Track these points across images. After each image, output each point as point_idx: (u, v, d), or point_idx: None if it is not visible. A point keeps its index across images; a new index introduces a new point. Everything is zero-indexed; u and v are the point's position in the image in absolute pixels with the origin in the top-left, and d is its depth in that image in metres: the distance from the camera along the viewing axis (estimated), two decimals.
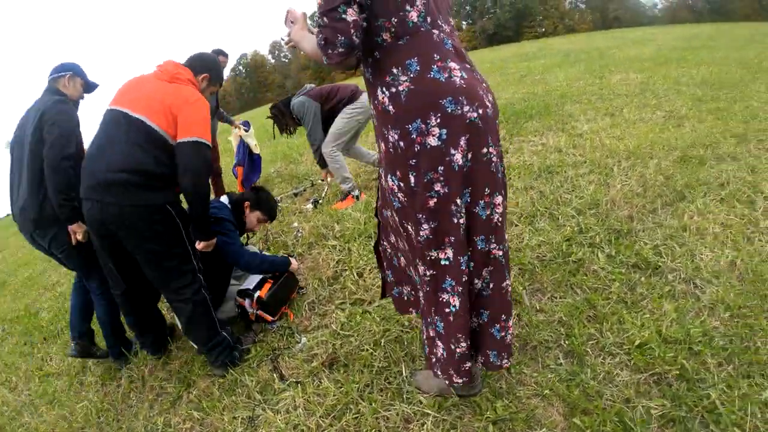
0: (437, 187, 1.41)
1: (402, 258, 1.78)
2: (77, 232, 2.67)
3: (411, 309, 1.93)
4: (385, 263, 1.93)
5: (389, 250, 1.87)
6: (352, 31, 1.29)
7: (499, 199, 1.51)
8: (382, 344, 2.47)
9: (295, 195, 5.16)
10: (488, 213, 1.49)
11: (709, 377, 1.84)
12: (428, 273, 1.53)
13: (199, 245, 2.46)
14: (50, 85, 2.86)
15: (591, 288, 2.50)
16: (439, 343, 1.62)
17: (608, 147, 4.24)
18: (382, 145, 1.50)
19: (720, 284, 2.33)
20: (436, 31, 1.40)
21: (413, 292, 1.85)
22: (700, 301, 2.26)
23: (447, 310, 1.55)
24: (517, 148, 4.84)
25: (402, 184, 1.46)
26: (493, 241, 1.53)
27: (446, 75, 1.36)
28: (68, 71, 2.87)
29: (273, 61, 67.85)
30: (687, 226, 2.85)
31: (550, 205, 3.41)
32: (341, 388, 2.26)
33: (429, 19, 1.38)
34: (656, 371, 1.93)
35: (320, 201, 4.57)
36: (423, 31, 1.38)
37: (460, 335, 1.56)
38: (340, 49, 1.31)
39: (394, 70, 1.39)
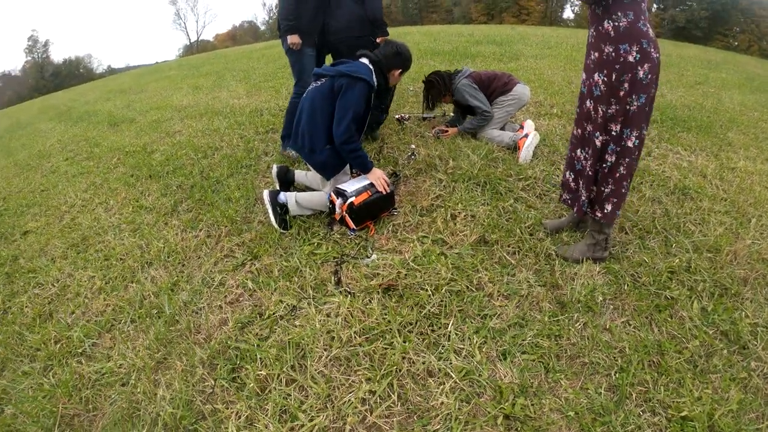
0: (625, 85, 2.39)
1: (576, 147, 2.79)
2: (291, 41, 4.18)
3: (564, 191, 2.96)
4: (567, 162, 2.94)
5: (571, 151, 2.86)
6: None
7: (650, 106, 2.49)
8: (442, 291, 2.59)
9: (424, 119, 5.25)
10: (647, 111, 2.48)
11: None
12: (602, 138, 2.55)
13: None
14: None
15: (669, 333, 2.39)
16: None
17: (756, 195, 3.82)
18: (596, 53, 2.48)
19: None
20: (644, 3, 2.36)
21: (571, 178, 2.87)
22: None
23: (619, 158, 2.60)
24: (661, 154, 4.54)
25: (606, 79, 2.44)
26: (635, 133, 2.50)
27: (645, 28, 2.34)
28: None
29: None
30: None
31: (670, 229, 3.21)
32: (386, 315, 2.46)
33: None
34: None
35: (445, 132, 4.61)
36: (639, 0, 2.33)
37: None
38: None
39: (619, 13, 2.34)
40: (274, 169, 3.72)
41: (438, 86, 4.59)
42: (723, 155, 4.70)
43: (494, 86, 4.51)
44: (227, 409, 2.13)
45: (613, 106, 2.47)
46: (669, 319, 2.46)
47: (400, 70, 3.46)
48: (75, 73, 57.36)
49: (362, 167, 3.30)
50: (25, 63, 60.05)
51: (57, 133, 9.21)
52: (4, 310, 3.25)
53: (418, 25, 43.21)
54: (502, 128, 4.61)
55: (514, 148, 4.25)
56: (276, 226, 3.33)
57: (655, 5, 49.35)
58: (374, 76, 3.31)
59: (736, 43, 44.98)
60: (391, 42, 3.46)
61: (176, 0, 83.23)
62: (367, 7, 4.19)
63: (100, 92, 15.68)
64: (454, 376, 2.12)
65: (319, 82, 3.32)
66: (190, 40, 72.33)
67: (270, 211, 3.34)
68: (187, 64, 20.05)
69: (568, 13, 59.22)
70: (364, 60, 3.37)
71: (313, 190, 3.65)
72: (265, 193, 3.37)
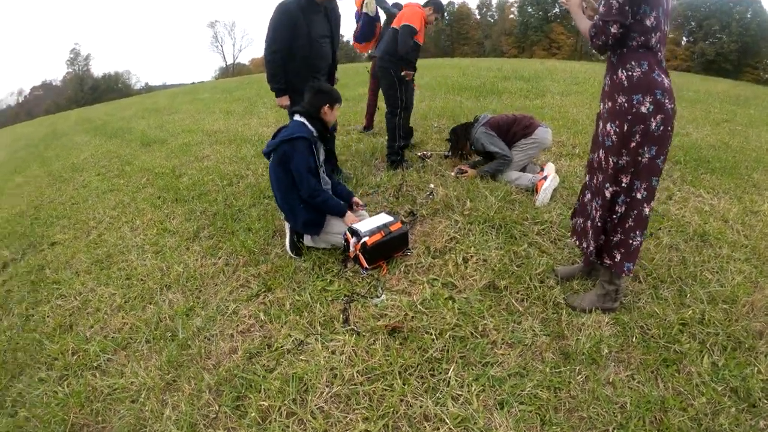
0: (637, 137, 2.41)
1: (588, 194, 2.83)
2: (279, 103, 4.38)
3: (575, 237, 2.98)
4: (577, 207, 3.00)
5: (582, 197, 2.92)
6: (611, 39, 2.37)
7: (663, 158, 2.49)
8: (446, 336, 2.65)
9: (446, 156, 5.34)
10: (658, 164, 2.47)
11: None
12: (612, 189, 2.56)
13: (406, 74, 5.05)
14: None
15: (675, 389, 2.34)
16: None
17: None
18: (609, 103, 2.51)
19: None
20: (660, 53, 2.42)
21: (582, 224, 2.87)
22: None
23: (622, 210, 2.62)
24: (683, 198, 4.48)
25: (618, 130, 2.46)
26: (644, 185, 2.51)
27: (660, 78, 2.37)
28: None
29: (478, 17, 68.51)
30: None
31: (686, 278, 3.16)
32: (388, 357, 2.53)
33: (659, 45, 2.40)
34: None
35: (465, 173, 4.69)
36: (655, 50, 2.39)
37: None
38: (599, 43, 2.40)
39: (633, 63, 2.38)
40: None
41: (459, 146, 4.98)
42: (747, 198, 4.60)
43: (514, 130, 4.61)
44: None
45: (624, 158, 2.48)
46: (676, 374, 2.42)
47: (327, 105, 3.52)
48: (113, 88, 59.25)
49: (338, 213, 3.51)
50: (66, 74, 62.57)
51: (91, 147, 9.57)
52: (27, 317, 3.45)
53: (449, 56, 43.80)
54: (523, 170, 4.68)
55: (533, 190, 4.31)
56: (289, 251, 3.55)
57: (684, 38, 49.51)
58: (308, 125, 3.46)
59: (767, 76, 44.56)
60: (310, 85, 3.59)
61: (214, 23, 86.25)
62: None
63: (135, 109, 16.19)
64: (449, 422, 2.17)
65: (270, 158, 3.53)
66: (226, 62, 74.45)
67: (288, 235, 3.58)
68: (221, 87, 20.58)
69: None
70: (296, 116, 3.53)
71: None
72: None
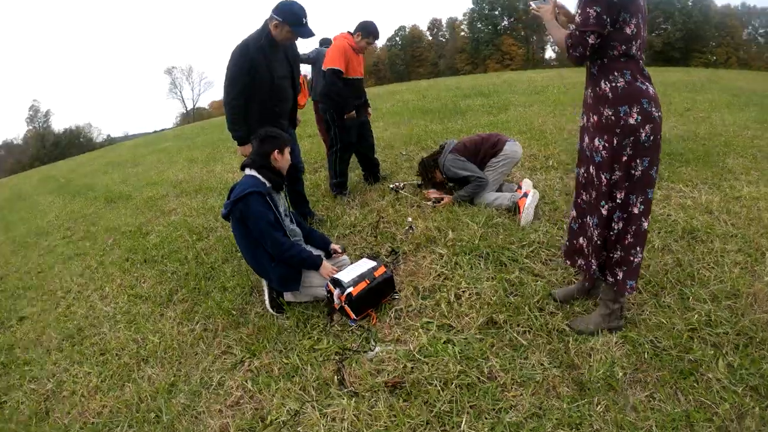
0: (628, 150, 2.33)
1: (574, 211, 2.76)
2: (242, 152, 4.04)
3: (564, 258, 2.91)
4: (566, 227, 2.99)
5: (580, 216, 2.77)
6: (589, 50, 2.27)
7: (656, 168, 2.42)
8: (452, 386, 2.43)
9: (419, 186, 5.19)
10: (652, 175, 2.41)
11: None
12: (608, 206, 2.46)
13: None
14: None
15: (697, 401, 2.21)
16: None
17: (766, 223, 3.71)
18: (594, 116, 2.42)
19: None
20: (641, 60, 2.36)
21: (568, 242, 2.84)
22: None
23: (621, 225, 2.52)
24: (664, 196, 4.44)
25: (607, 144, 2.37)
26: (640, 199, 2.43)
27: (645, 86, 2.31)
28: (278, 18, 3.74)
29: (430, 38, 70.10)
30: None
31: (684, 280, 3.07)
32: (394, 418, 2.30)
33: (639, 53, 2.32)
34: None
35: (441, 201, 4.57)
36: (636, 57, 2.32)
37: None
38: (576, 54, 2.30)
39: (616, 73, 2.31)
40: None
41: (430, 178, 4.85)
42: (725, 185, 4.62)
43: (483, 151, 4.53)
44: None
45: (617, 172, 2.38)
46: (695, 385, 2.29)
47: (276, 150, 3.34)
48: (75, 143, 58.32)
49: (312, 267, 3.29)
50: (26, 132, 61.53)
51: (56, 207, 9.35)
52: (0, 405, 3.17)
53: (406, 80, 44.40)
54: (499, 189, 4.58)
55: (515, 209, 4.18)
56: (269, 308, 3.34)
57: None
58: (260, 177, 3.28)
59: (714, 58, 46.74)
60: (257, 132, 3.46)
61: (171, 70, 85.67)
62: None
63: (98, 164, 15.91)
64: None
65: (229, 221, 3.36)
66: (186, 108, 74.28)
67: (266, 292, 3.36)
68: (182, 134, 20.43)
69: (549, 53, 61.32)
70: (246, 170, 3.36)
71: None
72: None
